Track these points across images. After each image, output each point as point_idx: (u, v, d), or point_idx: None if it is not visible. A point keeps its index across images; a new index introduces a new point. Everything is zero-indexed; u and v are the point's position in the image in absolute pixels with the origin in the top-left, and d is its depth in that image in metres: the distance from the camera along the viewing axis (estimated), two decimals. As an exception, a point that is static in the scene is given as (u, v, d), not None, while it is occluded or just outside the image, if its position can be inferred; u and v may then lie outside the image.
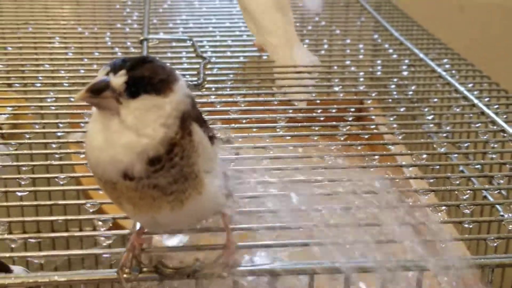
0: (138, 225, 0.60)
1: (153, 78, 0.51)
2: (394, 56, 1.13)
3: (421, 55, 1.08)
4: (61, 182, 0.71)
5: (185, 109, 0.53)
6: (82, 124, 0.83)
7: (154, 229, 0.59)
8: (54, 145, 0.79)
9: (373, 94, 0.96)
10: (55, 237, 0.65)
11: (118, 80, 0.49)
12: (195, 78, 0.97)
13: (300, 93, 0.96)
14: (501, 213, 0.71)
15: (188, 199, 0.53)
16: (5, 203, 0.70)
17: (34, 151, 0.80)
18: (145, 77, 0.50)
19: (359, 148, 0.80)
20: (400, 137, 0.82)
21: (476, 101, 0.91)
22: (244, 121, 0.85)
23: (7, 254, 0.61)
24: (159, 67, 0.52)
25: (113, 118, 0.50)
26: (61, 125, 0.84)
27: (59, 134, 0.81)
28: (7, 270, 0.61)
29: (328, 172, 0.72)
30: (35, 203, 0.71)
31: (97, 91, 0.49)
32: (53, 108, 0.89)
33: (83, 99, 0.49)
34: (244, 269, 0.57)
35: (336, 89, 0.99)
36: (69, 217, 0.68)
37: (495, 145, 0.81)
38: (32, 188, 0.71)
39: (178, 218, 0.55)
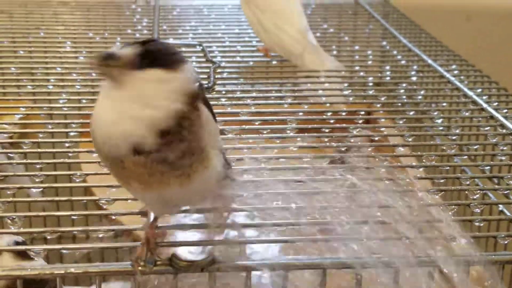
0: (151, 218, 0.60)
1: (163, 53, 0.52)
2: (403, 62, 1.14)
3: (430, 61, 1.09)
4: (78, 180, 0.72)
5: (193, 89, 0.53)
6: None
7: (162, 209, 0.59)
8: (67, 144, 0.79)
9: (382, 99, 0.97)
10: (71, 231, 0.65)
11: (127, 51, 0.51)
12: (206, 82, 0.98)
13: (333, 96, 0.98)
14: (508, 214, 0.72)
15: (196, 174, 0.54)
16: (13, 199, 0.70)
17: (46, 150, 0.80)
18: (155, 50, 0.52)
19: (369, 149, 0.81)
20: (410, 139, 0.83)
21: (485, 105, 0.92)
22: (257, 123, 0.86)
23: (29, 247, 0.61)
24: (170, 46, 0.54)
25: (121, 90, 0.51)
26: (73, 125, 0.84)
27: (72, 133, 0.82)
28: None
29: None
30: (44, 199, 0.72)
31: (104, 59, 0.50)
32: (65, 109, 0.90)
33: (90, 64, 0.51)
34: (257, 263, 0.57)
35: (346, 93, 1.00)
36: (75, 212, 0.68)
37: (504, 148, 0.81)
38: (46, 185, 0.72)
39: (185, 194, 0.56)
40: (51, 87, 0.99)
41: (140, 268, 0.55)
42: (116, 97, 0.51)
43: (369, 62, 1.16)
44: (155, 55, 0.52)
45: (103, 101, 0.52)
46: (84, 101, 0.93)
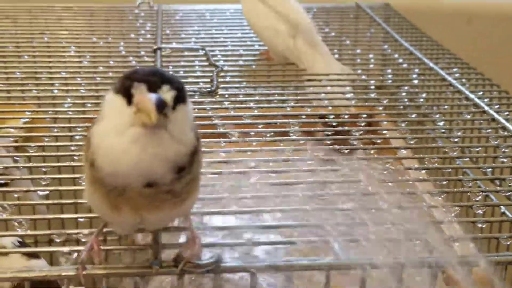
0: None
1: (182, 88, 0.51)
2: (404, 65, 1.14)
3: (431, 64, 1.10)
4: (82, 183, 0.72)
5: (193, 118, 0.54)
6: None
7: (130, 230, 0.59)
8: (72, 148, 0.80)
9: (384, 102, 0.98)
10: (76, 233, 0.66)
11: (169, 96, 0.50)
12: (209, 86, 0.98)
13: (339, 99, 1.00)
14: (510, 216, 0.73)
15: (188, 198, 0.55)
16: (19, 202, 0.71)
17: (51, 153, 0.81)
18: (181, 88, 0.51)
19: (372, 152, 0.81)
20: (412, 142, 0.84)
21: (486, 108, 0.92)
22: (260, 126, 0.86)
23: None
24: (177, 77, 0.54)
25: (160, 134, 0.50)
26: (78, 129, 0.85)
27: (77, 137, 0.83)
28: None
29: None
30: (48, 202, 0.73)
31: (160, 111, 0.48)
32: (70, 113, 0.91)
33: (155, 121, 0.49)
34: (262, 264, 0.58)
35: (348, 96, 1.01)
36: (80, 215, 0.70)
37: (506, 150, 0.82)
38: (52, 188, 0.73)
39: (170, 216, 0.57)
40: (55, 91, 1.00)
41: (84, 272, 0.56)
42: (143, 134, 0.49)
43: (371, 66, 1.16)
44: (180, 91, 0.51)
45: (122, 141, 0.50)
46: (88, 105, 0.94)
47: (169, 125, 0.50)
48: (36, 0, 1.40)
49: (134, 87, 0.50)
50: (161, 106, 0.49)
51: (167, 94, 0.50)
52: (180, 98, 0.51)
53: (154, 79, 0.50)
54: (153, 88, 0.50)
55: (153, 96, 0.49)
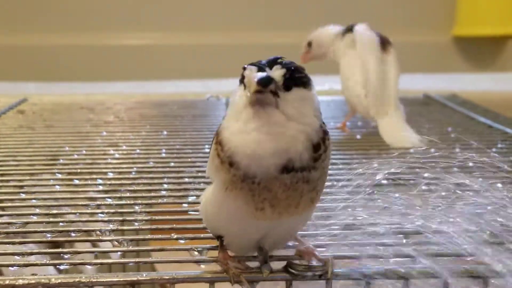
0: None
1: (302, 72, 0.53)
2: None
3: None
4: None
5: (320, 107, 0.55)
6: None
7: (248, 249, 0.59)
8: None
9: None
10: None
11: (278, 73, 0.52)
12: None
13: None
14: None
15: (318, 197, 0.55)
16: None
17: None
18: (297, 71, 0.53)
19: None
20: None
21: None
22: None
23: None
24: (299, 65, 0.54)
25: (272, 112, 0.51)
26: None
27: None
28: None
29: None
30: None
31: (265, 84, 0.50)
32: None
33: (254, 93, 0.50)
34: (377, 271, 0.55)
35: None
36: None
37: None
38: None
39: (300, 222, 0.57)
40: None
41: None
42: (265, 119, 0.51)
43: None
44: (294, 75, 0.52)
45: (240, 124, 0.52)
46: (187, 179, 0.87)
47: (283, 105, 0.51)
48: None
49: (246, 69, 0.52)
50: (264, 81, 0.50)
51: (276, 72, 0.51)
52: (298, 81, 0.52)
53: (267, 62, 0.52)
54: (263, 69, 0.52)
55: (258, 74, 0.51)
